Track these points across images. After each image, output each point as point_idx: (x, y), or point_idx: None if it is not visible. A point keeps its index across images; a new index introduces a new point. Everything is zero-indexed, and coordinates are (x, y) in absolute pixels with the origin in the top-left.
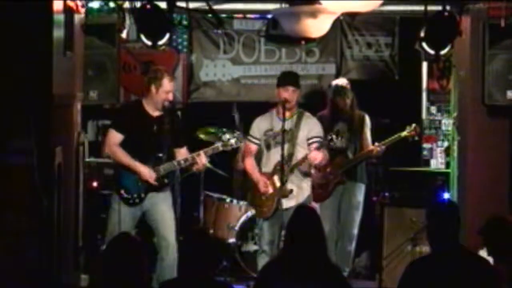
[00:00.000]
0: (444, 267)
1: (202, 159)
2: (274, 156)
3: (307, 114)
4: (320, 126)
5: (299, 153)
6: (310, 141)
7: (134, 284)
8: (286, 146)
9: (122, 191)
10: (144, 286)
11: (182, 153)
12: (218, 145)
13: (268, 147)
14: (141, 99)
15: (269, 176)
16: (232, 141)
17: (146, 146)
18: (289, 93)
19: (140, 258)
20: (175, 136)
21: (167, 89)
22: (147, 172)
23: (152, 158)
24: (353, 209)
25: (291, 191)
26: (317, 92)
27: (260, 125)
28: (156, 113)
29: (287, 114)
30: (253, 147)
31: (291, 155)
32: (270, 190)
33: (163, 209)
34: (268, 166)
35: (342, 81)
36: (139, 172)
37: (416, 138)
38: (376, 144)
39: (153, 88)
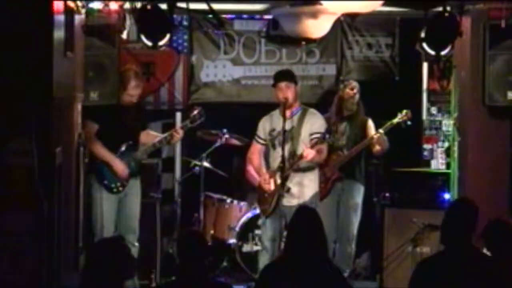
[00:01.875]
0: (453, 266)
1: (179, 132)
2: (278, 155)
3: (311, 110)
4: (323, 120)
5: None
6: (311, 137)
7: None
8: (288, 144)
9: (105, 181)
10: None
11: (147, 133)
12: (187, 122)
13: (274, 147)
14: None
15: (272, 174)
16: (195, 112)
17: (117, 135)
18: (282, 90)
19: (132, 260)
20: (140, 123)
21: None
22: (121, 169)
23: (124, 145)
24: (350, 210)
25: (288, 189)
26: (317, 92)
27: (265, 126)
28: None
29: (288, 112)
30: (259, 147)
31: (293, 153)
32: (272, 187)
33: (135, 203)
34: (273, 165)
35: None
36: (114, 167)
37: (409, 122)
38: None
39: None
